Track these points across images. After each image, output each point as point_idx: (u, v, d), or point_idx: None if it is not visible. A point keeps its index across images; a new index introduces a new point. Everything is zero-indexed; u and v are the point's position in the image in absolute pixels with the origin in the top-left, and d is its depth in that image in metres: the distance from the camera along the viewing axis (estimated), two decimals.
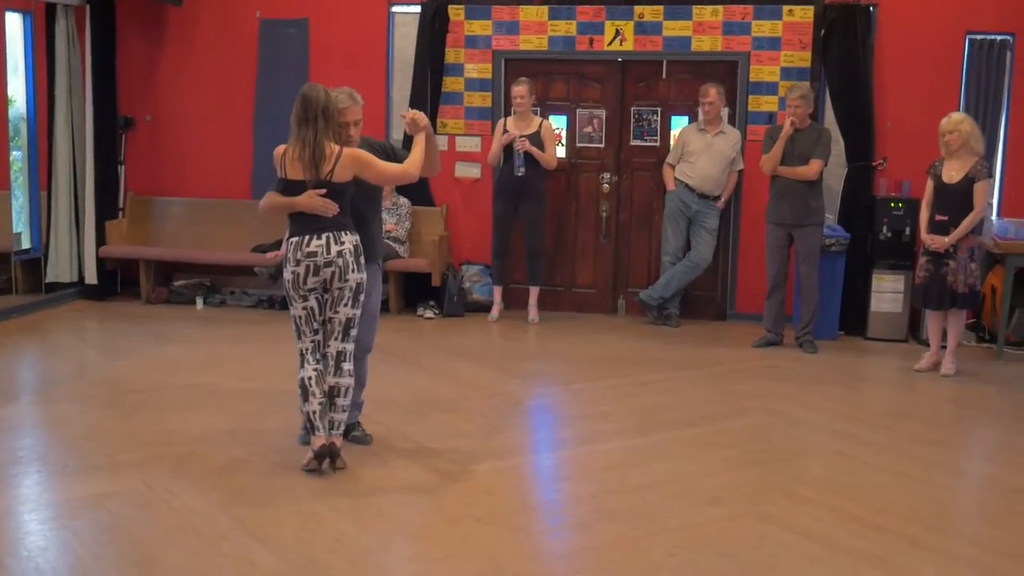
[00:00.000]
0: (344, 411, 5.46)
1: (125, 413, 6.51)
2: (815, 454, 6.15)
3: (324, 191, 5.30)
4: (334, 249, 5.32)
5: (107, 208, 10.18)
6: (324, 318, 5.44)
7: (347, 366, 5.46)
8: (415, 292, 9.84)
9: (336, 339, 5.44)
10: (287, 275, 5.42)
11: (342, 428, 5.50)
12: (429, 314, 9.62)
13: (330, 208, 5.31)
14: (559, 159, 9.65)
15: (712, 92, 9.04)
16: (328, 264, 5.32)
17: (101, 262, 10.08)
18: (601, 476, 5.57)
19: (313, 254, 5.32)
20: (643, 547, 4.64)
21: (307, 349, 5.44)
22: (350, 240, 5.39)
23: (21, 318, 9.25)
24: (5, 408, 6.63)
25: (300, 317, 5.43)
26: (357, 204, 5.52)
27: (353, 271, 5.37)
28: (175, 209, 10.41)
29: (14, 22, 9.68)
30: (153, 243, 10.34)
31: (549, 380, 7.70)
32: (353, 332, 5.47)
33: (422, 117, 5.60)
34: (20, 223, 9.95)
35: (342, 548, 4.56)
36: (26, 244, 9.98)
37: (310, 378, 5.38)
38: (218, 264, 10.02)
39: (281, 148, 5.43)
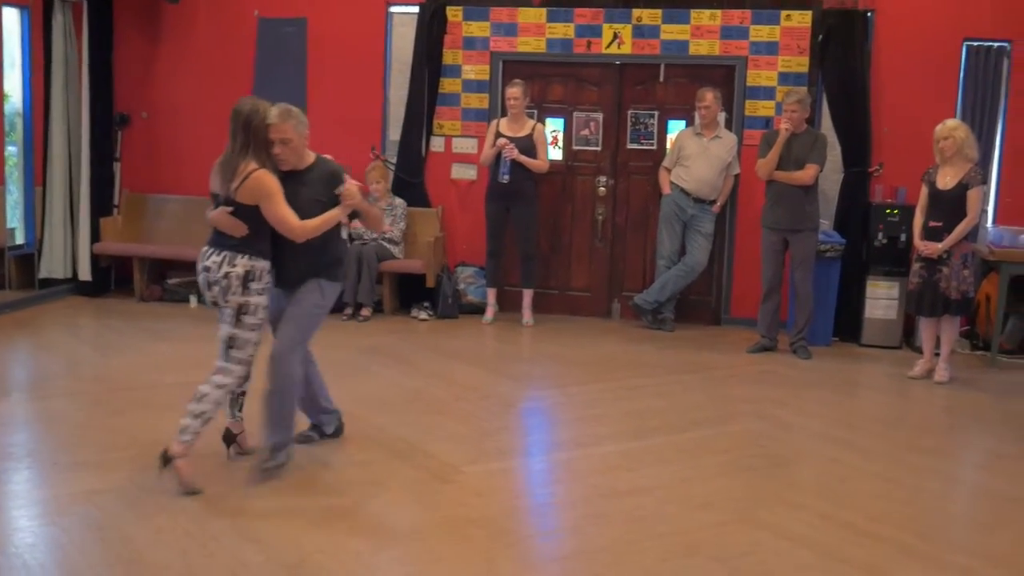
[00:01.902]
0: (191, 416, 5.10)
1: (117, 410, 6.49)
2: (808, 460, 6.13)
3: (231, 209, 5.13)
4: (224, 269, 5.13)
5: (102, 204, 10.17)
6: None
7: (216, 377, 5.21)
8: (409, 293, 9.83)
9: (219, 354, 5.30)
10: None
11: (183, 432, 5.08)
12: (423, 315, 9.61)
13: (238, 229, 5.13)
14: (555, 162, 9.65)
15: (709, 96, 9.04)
16: (215, 282, 5.18)
17: (95, 259, 10.07)
18: (594, 480, 5.56)
19: (207, 268, 5.21)
20: (635, 552, 4.62)
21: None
22: (243, 264, 5.13)
23: (14, 314, 9.23)
24: None
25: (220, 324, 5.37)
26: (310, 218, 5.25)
27: (235, 294, 5.13)
28: (170, 207, 10.39)
29: (11, 17, 9.65)
30: (147, 240, 10.31)
31: (543, 383, 7.69)
32: (234, 352, 5.22)
33: (353, 194, 5.33)
34: (15, 218, 9.92)
35: (333, 549, 4.54)
36: (20, 239, 9.96)
37: None
38: None
39: None
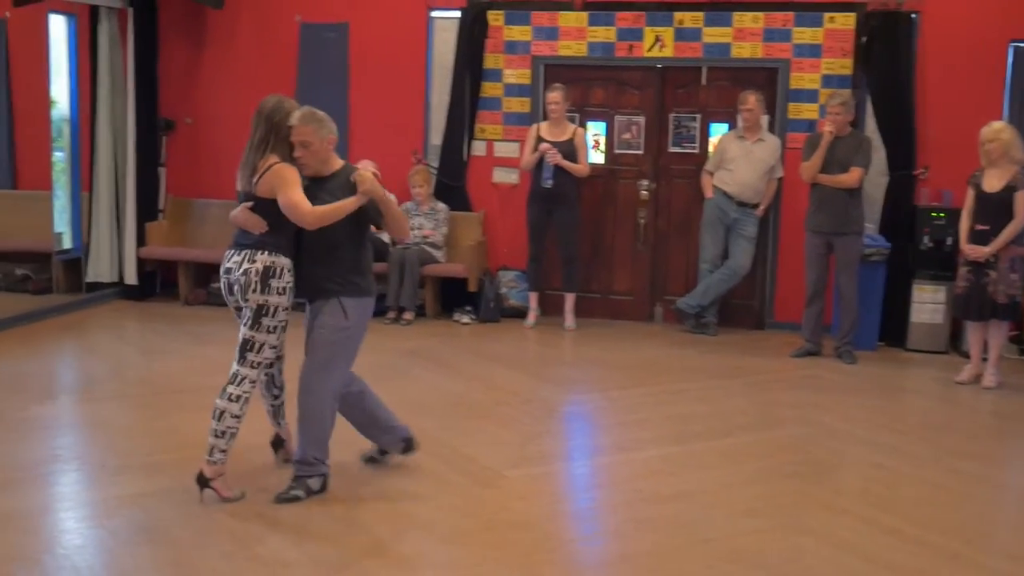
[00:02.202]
0: (215, 435, 5.02)
1: (162, 413, 6.55)
2: (853, 466, 6.08)
3: (251, 204, 5.02)
4: (244, 267, 4.99)
5: (147, 209, 10.27)
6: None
7: (231, 388, 5.06)
8: (452, 297, 9.84)
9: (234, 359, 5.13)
10: None
11: (211, 454, 5.02)
12: (465, 319, 9.62)
13: (258, 225, 5.00)
14: (597, 165, 9.63)
15: (751, 99, 8.99)
16: (236, 282, 5.04)
17: (141, 263, 10.17)
18: (636, 484, 5.54)
19: (228, 270, 5.09)
20: (678, 558, 4.60)
21: None
22: (263, 260, 4.97)
23: (61, 317, 9.35)
24: (44, 407, 6.69)
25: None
26: (330, 226, 5.00)
27: (255, 291, 4.97)
28: (214, 211, 10.46)
29: (58, 24, 9.79)
30: (192, 244, 10.41)
31: (585, 387, 7.68)
32: (250, 355, 5.06)
33: (366, 179, 5.00)
34: (62, 223, 10.05)
35: (377, 552, 4.56)
36: (67, 244, 10.10)
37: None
38: None
39: None
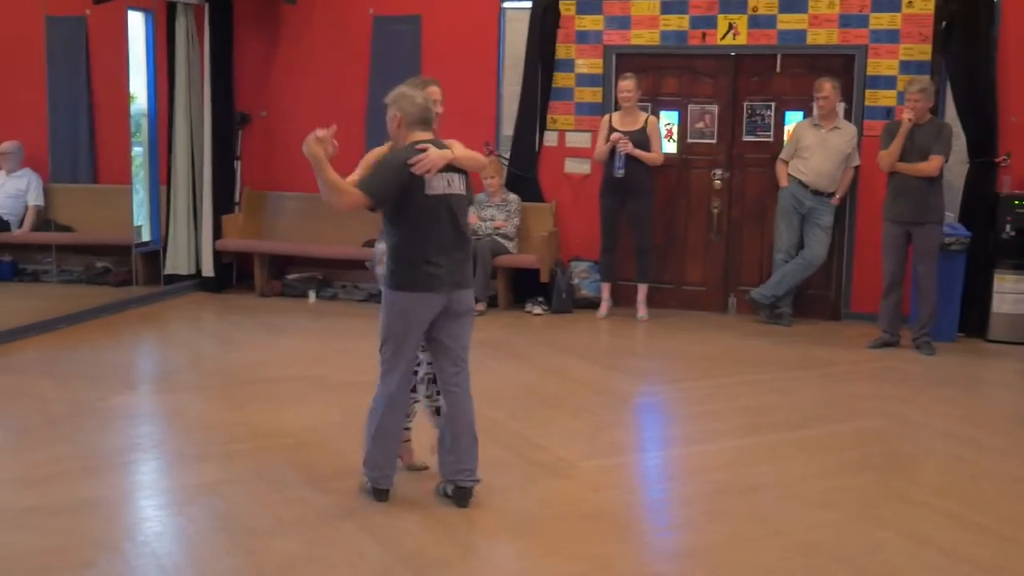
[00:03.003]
0: None
1: (239, 403, 6.64)
2: (933, 459, 5.97)
3: None
4: None
5: (224, 202, 10.40)
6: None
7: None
8: (524, 288, 9.84)
9: None
10: None
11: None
12: (538, 310, 9.61)
13: None
14: (670, 155, 9.56)
15: (827, 86, 8.86)
16: None
17: (218, 255, 10.32)
18: (710, 476, 5.49)
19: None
20: (754, 549, 4.55)
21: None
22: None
23: (141, 309, 9.52)
24: (125, 396, 6.82)
25: None
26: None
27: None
28: (289, 204, 10.59)
29: (136, 21, 9.96)
30: (267, 237, 10.53)
31: (657, 378, 7.63)
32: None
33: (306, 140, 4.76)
34: (141, 216, 10.24)
35: (449, 542, 4.57)
36: (146, 237, 10.28)
37: None
38: (330, 258, 10.16)
39: None
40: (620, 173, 9.08)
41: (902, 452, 5.98)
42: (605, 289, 9.58)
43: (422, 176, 4.72)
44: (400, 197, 4.75)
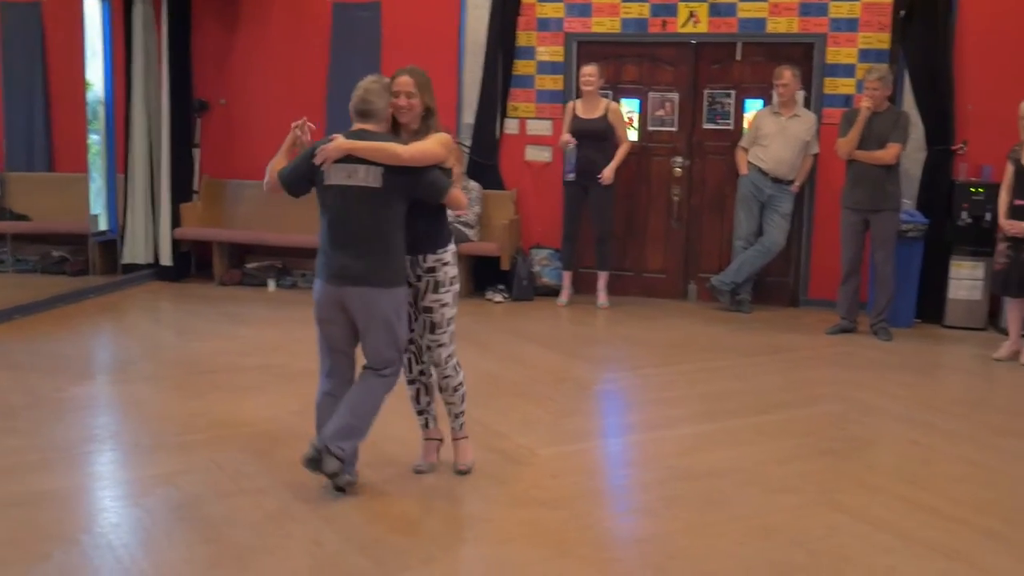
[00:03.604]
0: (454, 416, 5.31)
1: (197, 393, 6.59)
2: (889, 443, 6.02)
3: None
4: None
5: (182, 191, 10.33)
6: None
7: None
8: (485, 276, 9.85)
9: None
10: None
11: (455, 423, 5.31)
12: (498, 298, 9.62)
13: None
14: (630, 143, 9.57)
15: (787, 74, 8.90)
16: None
17: (176, 244, 10.24)
18: (669, 462, 5.51)
19: None
20: (712, 534, 4.58)
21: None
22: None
23: (98, 298, 9.44)
24: (82, 387, 6.76)
25: None
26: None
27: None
28: (248, 192, 10.51)
29: (93, 7, 9.84)
30: (226, 225, 10.46)
31: (618, 365, 7.65)
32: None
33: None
34: (98, 205, 10.13)
35: (407, 529, 4.57)
36: (103, 226, 10.17)
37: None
38: (290, 246, 10.10)
39: None
40: (570, 177, 9.16)
41: (859, 437, 6.04)
42: (566, 277, 9.60)
43: (321, 166, 4.77)
44: (314, 186, 4.87)
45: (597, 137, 9.13)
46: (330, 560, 4.26)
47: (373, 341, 4.87)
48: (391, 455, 5.44)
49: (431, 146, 4.80)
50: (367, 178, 4.74)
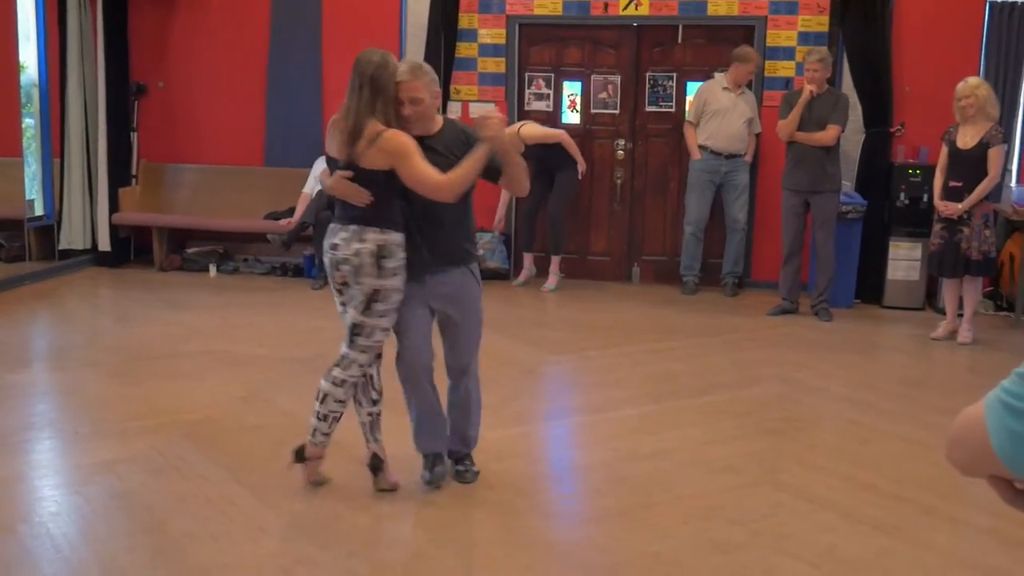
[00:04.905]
0: (317, 417, 4.71)
1: (137, 380, 6.51)
2: (830, 423, 6.11)
3: (351, 175, 4.48)
4: (353, 246, 4.48)
5: (120, 175, 10.17)
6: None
7: (337, 371, 4.67)
8: None
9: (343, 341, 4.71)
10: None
11: (313, 435, 4.74)
12: None
13: (361, 197, 4.47)
14: (573, 126, 9.57)
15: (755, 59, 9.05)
16: (344, 260, 4.52)
17: (114, 229, 10.10)
18: (613, 444, 5.54)
19: (335, 247, 4.56)
20: (655, 515, 4.61)
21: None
22: (374, 239, 4.46)
23: (34, 285, 9.28)
24: (18, 374, 6.65)
25: (339, 313, 4.78)
26: (425, 200, 4.52)
27: (369, 276, 4.49)
28: (188, 176, 10.39)
29: None
30: (166, 210, 10.32)
31: (562, 348, 7.66)
32: (360, 340, 4.61)
33: (495, 126, 4.45)
34: (33, 190, 9.96)
35: (351, 514, 4.55)
36: (39, 211, 10.00)
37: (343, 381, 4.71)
38: (231, 231, 10.00)
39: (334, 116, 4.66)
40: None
41: (800, 416, 6.11)
42: (528, 259, 9.64)
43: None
44: None
45: (544, 148, 9.12)
46: (274, 545, 4.23)
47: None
48: (336, 443, 5.41)
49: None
50: None
